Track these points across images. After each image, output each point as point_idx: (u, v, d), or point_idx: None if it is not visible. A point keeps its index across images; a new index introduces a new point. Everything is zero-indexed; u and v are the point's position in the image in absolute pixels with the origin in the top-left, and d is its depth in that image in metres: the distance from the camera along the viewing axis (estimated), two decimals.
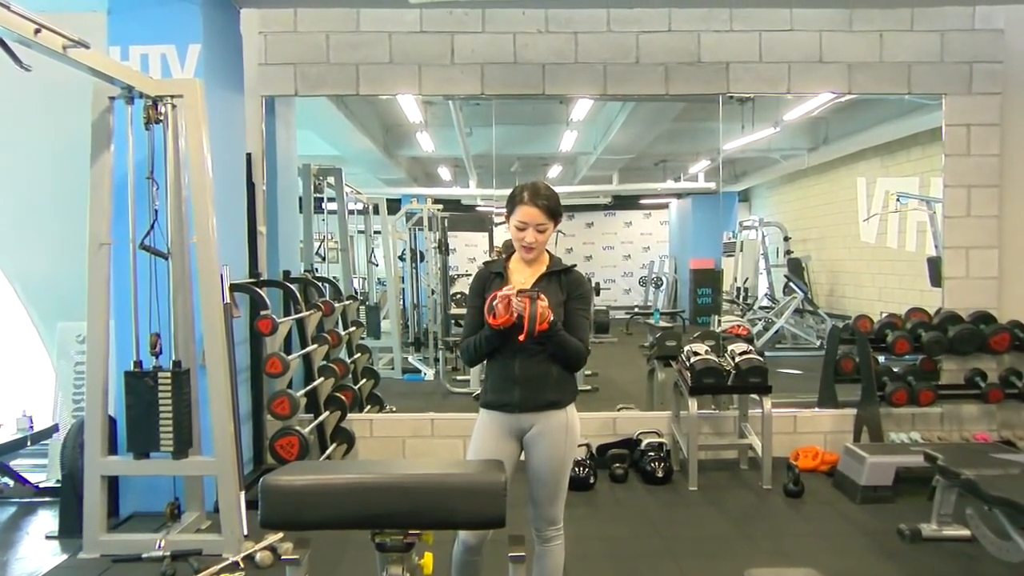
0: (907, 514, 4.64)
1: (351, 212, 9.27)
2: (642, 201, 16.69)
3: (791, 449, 5.92)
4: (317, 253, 7.32)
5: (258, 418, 5.41)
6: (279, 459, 4.89)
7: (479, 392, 3.34)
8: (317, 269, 7.21)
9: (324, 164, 7.88)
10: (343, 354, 6.23)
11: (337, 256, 8.53)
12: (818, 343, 10.80)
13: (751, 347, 5.59)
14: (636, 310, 14.89)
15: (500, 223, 11.00)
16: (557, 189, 3.05)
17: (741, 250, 12.93)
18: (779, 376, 7.90)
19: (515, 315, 2.78)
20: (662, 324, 9.62)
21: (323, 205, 7.92)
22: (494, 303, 2.78)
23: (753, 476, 5.64)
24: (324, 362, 5.64)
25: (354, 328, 6.56)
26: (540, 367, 2.92)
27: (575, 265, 3.06)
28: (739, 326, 6.58)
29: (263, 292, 5.11)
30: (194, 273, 4.31)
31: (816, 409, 6.11)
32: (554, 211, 2.95)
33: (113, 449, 4.49)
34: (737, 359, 5.39)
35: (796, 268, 12.06)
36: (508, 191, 3.06)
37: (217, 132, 4.60)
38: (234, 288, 4.83)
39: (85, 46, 3.51)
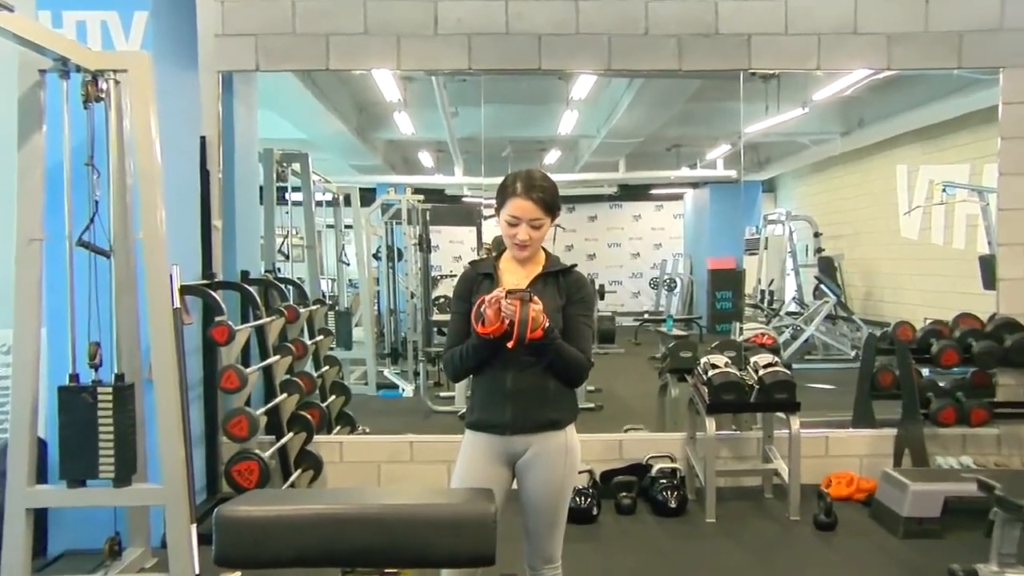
0: (959, 551, 4.62)
1: (319, 204, 9.28)
2: (653, 191, 16.73)
3: (822, 475, 5.92)
4: (280, 251, 7.28)
5: (212, 440, 5.37)
6: (236, 487, 4.86)
7: (465, 411, 3.31)
8: (280, 269, 7.20)
9: (289, 149, 7.94)
10: (309, 367, 6.20)
11: (303, 254, 8.54)
12: (852, 354, 10.85)
13: (777, 359, 5.59)
14: (646, 316, 14.83)
15: (490, 216, 11.03)
16: (555, 178, 3.03)
17: (765, 248, 13.04)
18: (809, 392, 7.88)
19: (506, 321, 2.75)
20: (675, 332, 9.56)
21: (287, 196, 7.99)
22: (482, 308, 2.76)
23: (779, 506, 5.64)
24: (288, 376, 5.62)
25: (322, 337, 6.55)
26: (535, 382, 2.89)
27: (575, 265, 3.04)
28: (763, 335, 6.59)
29: (218, 295, 5.08)
30: (140, 273, 4.28)
31: (851, 429, 6.11)
32: (551, 204, 2.92)
33: (43, 477, 4.45)
34: (761, 372, 5.39)
35: (828, 268, 12.09)
36: (499, 180, 3.04)
37: (167, 112, 4.57)
38: (185, 290, 4.79)
39: (8, 8, 3.47)
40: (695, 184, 16.01)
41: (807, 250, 12.82)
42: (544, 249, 3.06)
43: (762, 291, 13.02)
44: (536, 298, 2.75)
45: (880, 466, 5.71)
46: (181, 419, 4.17)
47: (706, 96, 9.60)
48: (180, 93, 5.29)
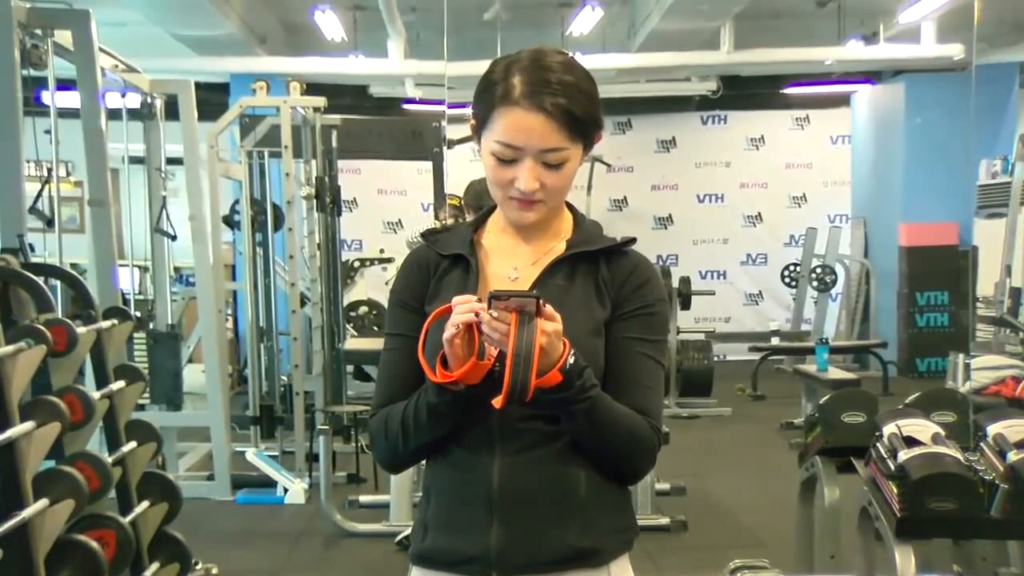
0: None
1: (114, 115, 5.60)
2: (788, 91, 10.38)
3: None
4: (34, 208, 4.59)
5: None
6: None
7: (409, 532, 2.26)
8: (34, 247, 4.44)
9: (48, 2, 4.87)
10: (95, 444, 3.83)
11: (81, 216, 5.72)
12: None
13: None
14: (774, 342, 9.17)
15: (461, 141, 6.73)
16: (592, 64, 2.14)
17: None
18: None
19: (492, 354, 1.71)
20: (834, 374, 6.46)
21: (47, 97, 4.88)
22: (443, 331, 1.71)
23: None
24: (49, 463, 3.35)
25: (122, 384, 3.94)
26: (547, 473, 1.85)
27: (633, 240, 1.93)
28: (1017, 379, 4.55)
29: None
30: None
31: None
32: (582, 118, 1.81)
33: None
34: (1012, 458, 3.51)
35: None
36: (476, 69, 2.13)
37: None
38: None
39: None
40: (874, 75, 10.01)
41: None
42: (570, 207, 1.96)
43: (1015, 290, 7.59)
44: (550, 308, 1.69)
45: None
46: None
47: None
48: None
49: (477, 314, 1.65)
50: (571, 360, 1.69)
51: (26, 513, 3.05)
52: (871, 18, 8.80)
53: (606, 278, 1.87)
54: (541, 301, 1.64)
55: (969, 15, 6.16)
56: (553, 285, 1.82)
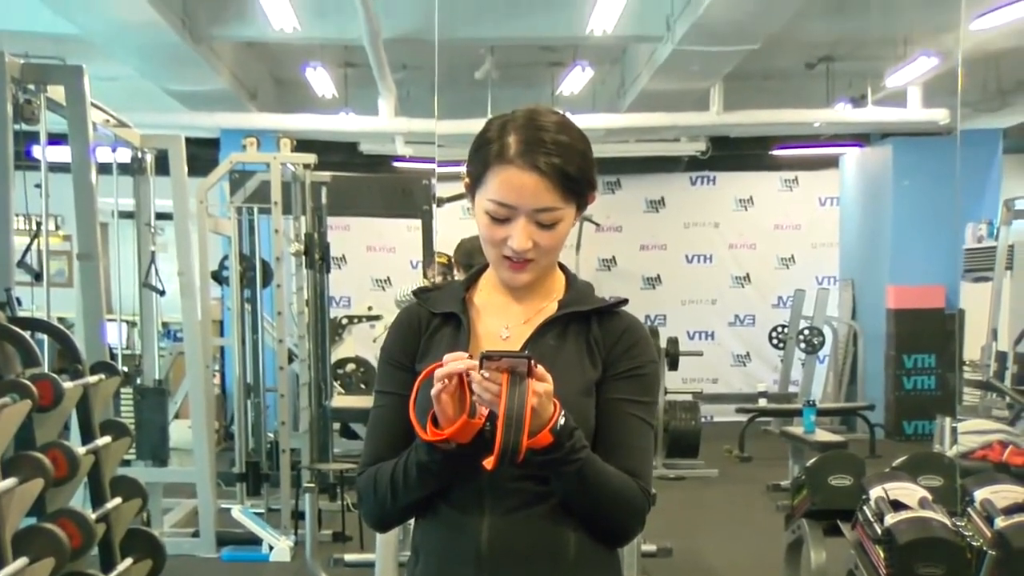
0: None
1: (104, 169, 5.48)
2: (777, 152, 10.58)
3: None
4: (22, 262, 4.53)
5: None
6: None
7: None
8: (21, 301, 4.39)
9: (42, 56, 4.80)
10: (79, 500, 3.77)
11: (70, 270, 6.00)
12: None
13: None
14: (762, 403, 9.29)
15: (452, 199, 7.17)
16: (584, 124, 1.93)
17: (1010, 267, 7.76)
18: None
19: (482, 416, 1.69)
20: (821, 437, 6.41)
21: (37, 151, 4.78)
22: (434, 389, 1.69)
23: None
24: (32, 519, 3.31)
25: (108, 440, 3.93)
26: (538, 535, 1.82)
27: (625, 301, 1.93)
28: (1004, 444, 4.59)
29: None
30: None
31: None
32: (576, 178, 1.81)
33: None
34: (1000, 524, 3.35)
35: None
36: (469, 128, 2.35)
37: None
38: None
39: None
40: (862, 137, 10.10)
41: None
42: (562, 267, 1.96)
43: (1001, 353, 7.47)
44: (541, 369, 1.67)
45: None
46: None
47: None
48: None
49: (468, 373, 1.63)
50: (561, 421, 1.68)
51: (5, 572, 2.95)
52: (860, 81, 8.79)
53: (597, 338, 1.85)
54: (532, 361, 1.63)
55: (954, 81, 6.22)
56: (545, 345, 1.81)
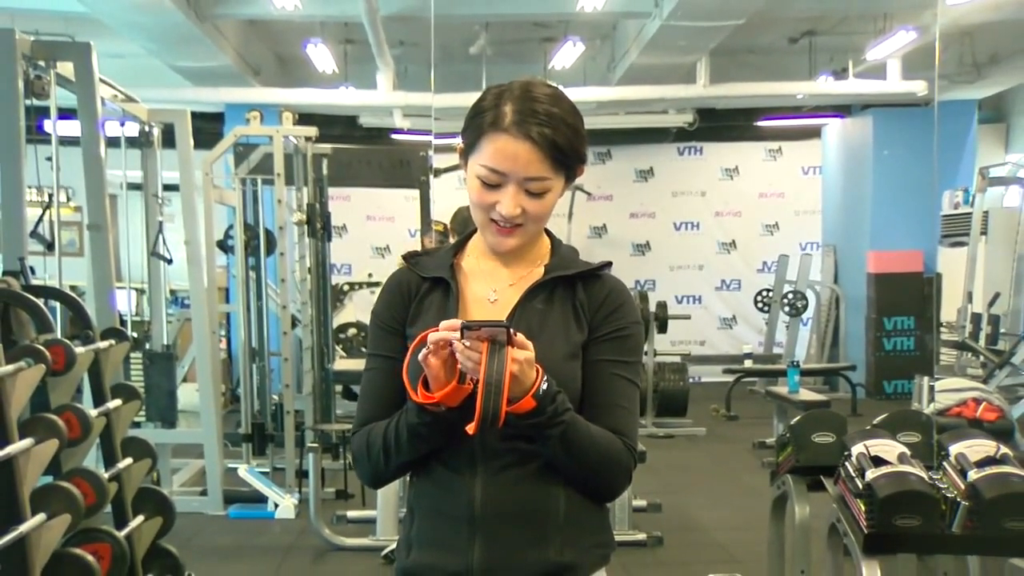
0: None
1: (113, 143, 5.58)
2: (762, 123, 10.68)
3: None
4: (35, 233, 4.60)
5: None
6: None
7: (394, 547, 2.31)
8: (35, 270, 4.36)
9: (51, 33, 4.83)
10: (92, 460, 3.79)
11: (80, 240, 5.57)
12: None
13: (1006, 450, 3.46)
14: (748, 364, 9.27)
15: (448, 169, 7.20)
16: (575, 96, 1.93)
17: (984, 232, 8.00)
18: None
19: (472, 381, 1.65)
20: (805, 396, 6.45)
21: (48, 126, 4.83)
22: (421, 354, 1.68)
23: None
24: (47, 479, 3.34)
25: (119, 403, 3.92)
26: (527, 494, 1.81)
27: (609, 264, 1.91)
28: (978, 401, 4.59)
29: None
30: None
31: None
32: (566, 149, 1.80)
33: None
34: (973, 476, 3.35)
35: None
36: (463, 100, 2.32)
37: None
38: None
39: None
40: (844, 109, 10.25)
41: None
42: (549, 234, 1.94)
43: (976, 315, 7.71)
44: (520, 336, 1.66)
45: None
46: None
47: None
48: None
49: (451, 343, 1.63)
50: (544, 386, 1.68)
51: (24, 527, 3.00)
52: (841, 55, 8.93)
53: (583, 301, 1.85)
54: (512, 330, 1.63)
55: (931, 54, 6.36)
56: (532, 308, 1.81)
